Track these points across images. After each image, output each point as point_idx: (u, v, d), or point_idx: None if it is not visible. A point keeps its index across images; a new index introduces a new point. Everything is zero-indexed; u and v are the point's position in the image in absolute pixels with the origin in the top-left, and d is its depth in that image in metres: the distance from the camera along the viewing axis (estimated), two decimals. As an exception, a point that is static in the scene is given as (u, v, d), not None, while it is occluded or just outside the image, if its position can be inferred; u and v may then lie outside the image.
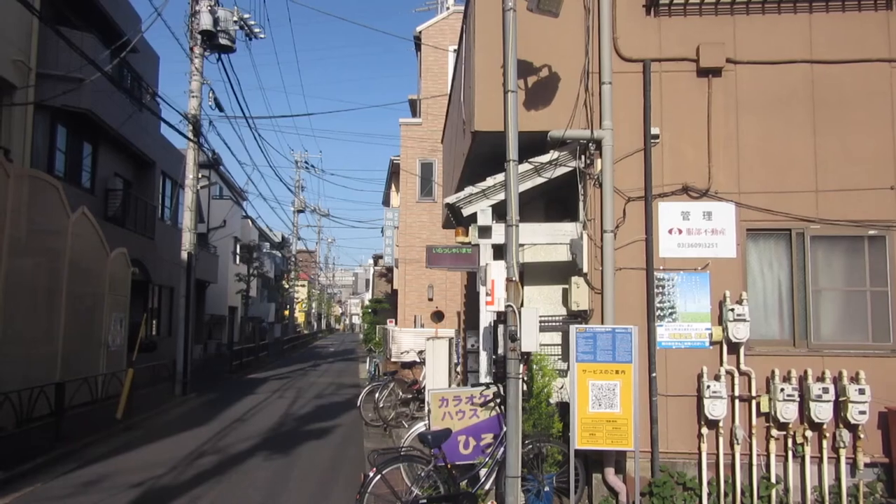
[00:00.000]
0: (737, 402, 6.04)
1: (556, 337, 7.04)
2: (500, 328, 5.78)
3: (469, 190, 6.73)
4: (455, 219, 7.32)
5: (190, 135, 15.16)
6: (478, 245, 6.68)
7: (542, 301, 7.07)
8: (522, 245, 6.58)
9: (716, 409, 5.91)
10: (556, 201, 7.54)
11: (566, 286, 6.62)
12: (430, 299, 19.35)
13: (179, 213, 19.53)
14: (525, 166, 6.50)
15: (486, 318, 6.46)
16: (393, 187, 26.28)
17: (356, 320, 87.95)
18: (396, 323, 19.69)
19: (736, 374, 6.09)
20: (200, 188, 16.57)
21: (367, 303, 44.28)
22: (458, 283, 15.57)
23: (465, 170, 7.99)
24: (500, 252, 6.27)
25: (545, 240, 6.63)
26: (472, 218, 6.73)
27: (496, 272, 5.55)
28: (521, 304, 5.72)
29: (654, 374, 6.15)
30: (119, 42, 13.42)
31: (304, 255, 61.73)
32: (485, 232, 6.62)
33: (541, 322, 6.46)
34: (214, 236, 26.60)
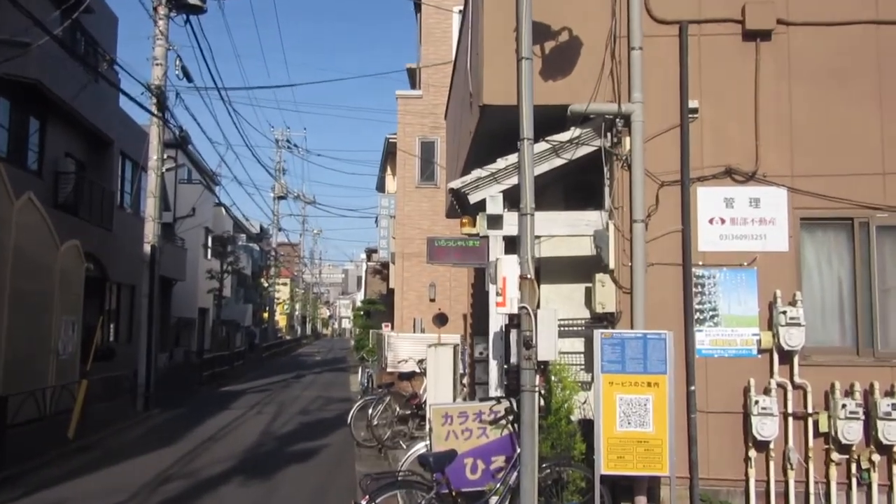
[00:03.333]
0: (790, 420, 6.05)
1: (577, 344, 7.10)
2: (513, 333, 5.84)
3: (477, 173, 6.83)
4: (461, 207, 7.37)
5: (154, 109, 15.10)
6: (487, 237, 6.76)
7: (561, 302, 7.15)
8: (539, 237, 6.63)
9: (765, 428, 5.91)
10: (577, 186, 7.60)
11: (589, 285, 6.69)
12: (432, 300, 19.32)
13: (141, 200, 19.48)
14: (542, 146, 6.59)
15: (496, 321, 6.57)
16: (389, 170, 26.23)
17: (346, 324, 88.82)
18: (393, 327, 19.74)
19: (789, 388, 6.10)
20: (166, 171, 16.57)
21: (358, 304, 44.55)
22: (465, 281, 15.54)
23: (471, 150, 8.03)
24: (512, 245, 6.33)
25: (565, 231, 6.73)
26: (481, 206, 6.80)
27: (508, 268, 5.61)
28: (538, 306, 5.79)
29: (692, 388, 6.19)
30: (71, 1, 13.18)
31: (287, 248, 61.98)
32: (495, 222, 6.70)
33: (560, 326, 6.43)
34: (182, 227, 26.60)
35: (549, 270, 7.27)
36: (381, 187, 31.19)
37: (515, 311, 5.50)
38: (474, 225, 6.83)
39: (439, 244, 7.19)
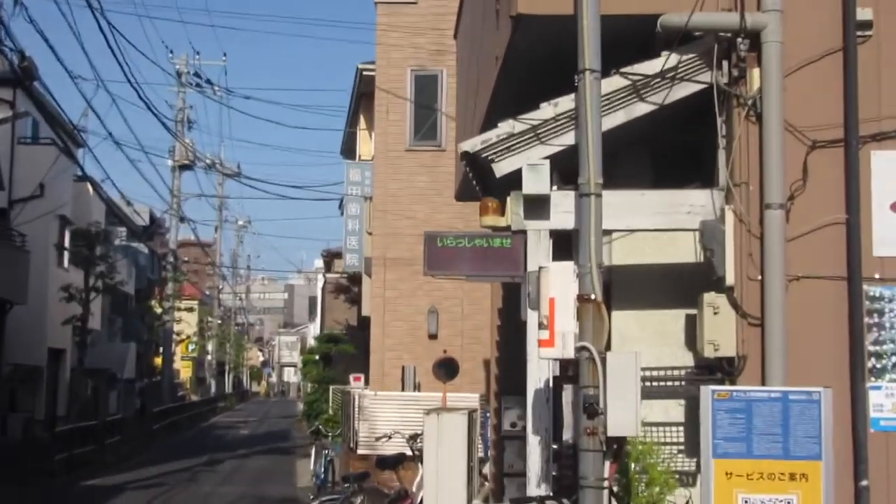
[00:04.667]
0: None
1: (673, 409, 7.21)
2: (567, 392, 6.09)
3: (507, 127, 6.88)
4: (480, 183, 7.57)
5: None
6: (524, 232, 6.84)
7: (646, 340, 7.26)
8: (609, 232, 6.77)
9: None
10: (672, 151, 7.69)
11: (692, 311, 6.83)
12: (433, 337, 19.25)
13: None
14: (615, 82, 6.66)
15: (538, 372, 6.62)
16: (362, 122, 26.26)
17: (291, 376, 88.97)
18: (368, 381, 19.79)
19: None
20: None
21: (311, 342, 44.36)
22: (486, 305, 15.24)
23: (498, 90, 8.15)
24: (566, 246, 6.44)
25: (652, 223, 6.85)
26: (514, 181, 6.84)
27: (559, 284, 5.72)
28: (608, 346, 5.90)
29: (864, 483, 6.17)
30: None
31: (194, 250, 62.00)
32: (537, 207, 6.76)
33: (645, 380, 6.48)
34: (23, 214, 25.92)
35: (627, 287, 7.38)
36: (348, 150, 31.30)
37: (570, 354, 5.63)
38: (503, 213, 6.90)
39: (445, 244, 7.20)
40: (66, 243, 30.84)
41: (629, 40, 6.62)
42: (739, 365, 6.44)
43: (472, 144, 7.07)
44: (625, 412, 5.55)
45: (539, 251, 6.83)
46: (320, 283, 51.30)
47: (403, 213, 19.78)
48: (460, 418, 8.64)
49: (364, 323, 24.34)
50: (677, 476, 6.65)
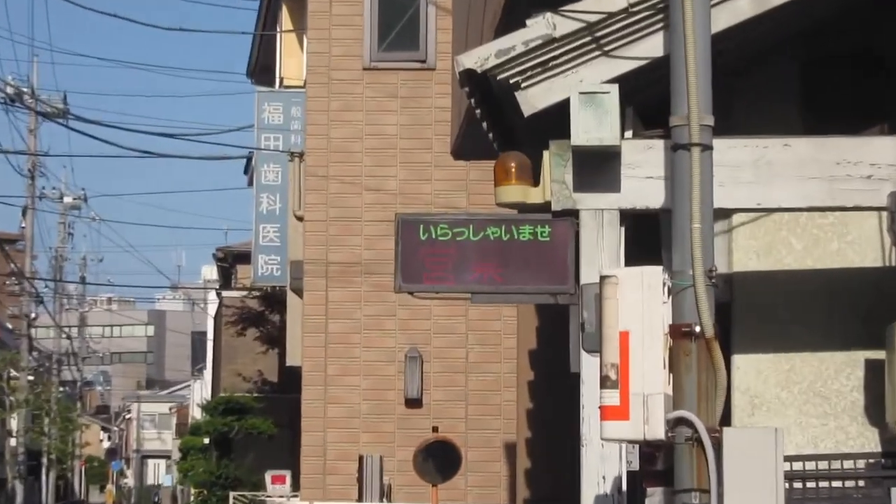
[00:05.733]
0: None
1: None
2: (654, 499, 5.77)
3: (542, 26, 6.58)
4: (494, 126, 7.38)
5: None
6: (573, 214, 6.60)
7: (792, 404, 7.18)
8: (728, 214, 6.73)
9: None
10: (835, 73, 7.48)
11: (877, 354, 6.75)
12: (414, 403, 18.48)
13: None
14: None
15: (600, 465, 6.43)
16: (286, 19, 25.86)
17: (162, 475, 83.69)
18: (297, 484, 19.46)
19: None
20: None
21: (197, 416, 42.78)
22: (506, 343, 15.28)
23: None
24: (647, 237, 6.45)
25: (802, 196, 6.65)
26: (553, 122, 6.57)
27: (636, 306, 5.43)
28: (725, 418, 5.82)
29: None
30: None
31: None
32: (597, 168, 6.51)
33: (793, 477, 6.49)
34: None
35: (758, 312, 7.26)
36: (261, 71, 30.89)
37: (660, 435, 5.30)
38: (535, 180, 6.67)
39: (434, 236, 6.87)
40: None
41: None
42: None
43: (482, 57, 6.73)
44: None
45: (602, 248, 6.50)
46: (212, 309, 47.57)
47: (359, 180, 18.87)
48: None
49: (291, 378, 23.63)
50: None
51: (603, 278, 5.63)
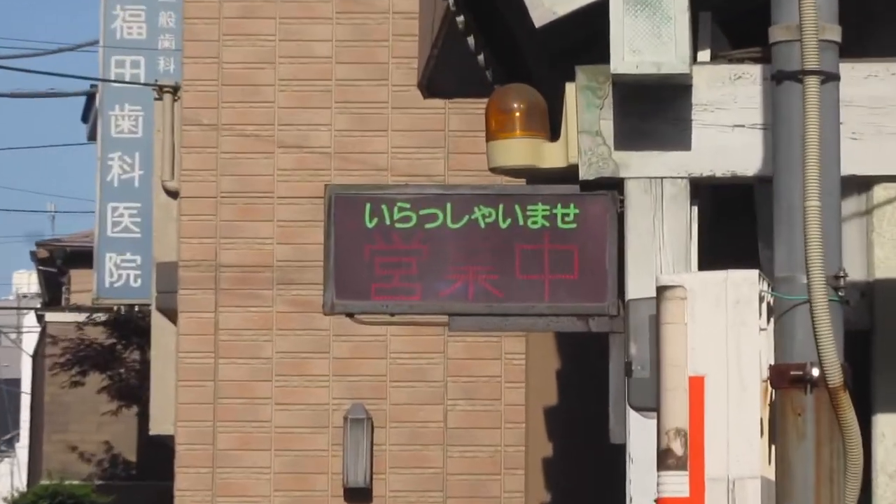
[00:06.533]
0: None
1: None
2: None
3: None
4: (485, 44, 7.28)
5: None
6: (612, 183, 5.99)
7: None
8: (867, 185, 6.27)
9: None
10: None
11: None
12: (357, 495, 15.35)
13: None
14: None
15: None
16: None
17: None
18: None
19: None
20: None
21: None
22: (509, 396, 14.79)
23: None
24: (731, 221, 6.36)
25: None
26: (580, 38, 6.20)
27: (715, 333, 4.69)
28: None
29: None
30: None
31: None
32: (651, 113, 5.83)
33: None
34: None
35: None
36: None
37: None
38: (554, 135, 5.98)
39: (388, 221, 6.16)
40: None
41: None
42: None
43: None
44: None
45: (661, 240, 5.71)
46: (29, 343, 43.08)
47: (270, 132, 16.69)
48: None
49: (157, 455, 21.32)
50: None
51: (662, 290, 4.62)
